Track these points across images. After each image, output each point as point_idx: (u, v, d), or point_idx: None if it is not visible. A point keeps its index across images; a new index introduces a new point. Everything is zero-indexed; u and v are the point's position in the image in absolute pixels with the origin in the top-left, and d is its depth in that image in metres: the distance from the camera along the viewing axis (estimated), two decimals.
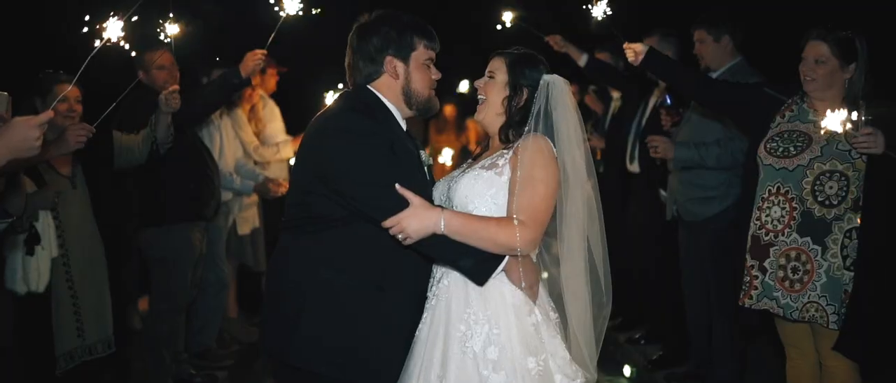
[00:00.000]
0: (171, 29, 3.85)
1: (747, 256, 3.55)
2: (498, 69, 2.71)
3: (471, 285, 2.57)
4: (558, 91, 2.66)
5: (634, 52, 3.86)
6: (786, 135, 3.52)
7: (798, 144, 3.47)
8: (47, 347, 4.00)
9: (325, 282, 2.55)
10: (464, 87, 8.77)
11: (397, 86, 2.67)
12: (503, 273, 2.56)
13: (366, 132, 2.52)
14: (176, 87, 4.22)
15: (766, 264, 3.49)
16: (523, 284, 2.57)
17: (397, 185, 2.43)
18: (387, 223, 2.42)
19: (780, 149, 3.50)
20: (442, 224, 2.43)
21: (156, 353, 4.77)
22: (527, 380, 2.49)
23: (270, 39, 4.30)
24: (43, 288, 4.00)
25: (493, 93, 2.71)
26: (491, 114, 2.72)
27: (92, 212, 4.21)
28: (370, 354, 2.57)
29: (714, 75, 4.50)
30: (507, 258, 2.53)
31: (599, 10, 3.85)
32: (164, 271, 4.78)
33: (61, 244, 4.07)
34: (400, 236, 2.43)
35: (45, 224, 4.01)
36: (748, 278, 3.54)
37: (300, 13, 4.04)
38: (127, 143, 4.34)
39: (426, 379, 2.54)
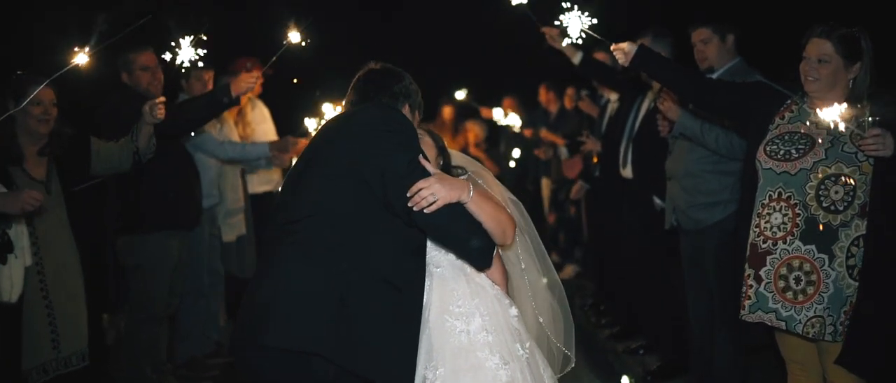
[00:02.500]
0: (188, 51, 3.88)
1: (745, 266, 3.39)
2: (423, 135, 3.01)
3: (457, 280, 2.74)
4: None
5: (623, 52, 3.68)
6: (786, 138, 3.35)
7: (800, 147, 3.30)
8: (17, 361, 3.85)
9: (351, 280, 2.52)
10: (460, 95, 9.00)
11: None
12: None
13: (404, 125, 2.71)
14: (162, 98, 4.11)
15: (761, 273, 3.33)
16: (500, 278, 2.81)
17: (420, 157, 2.60)
18: (417, 185, 2.50)
19: (781, 152, 3.33)
20: (470, 190, 2.59)
21: (135, 364, 4.66)
22: (520, 364, 2.64)
23: (269, 64, 4.34)
24: (16, 298, 3.84)
25: (430, 151, 2.97)
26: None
27: (68, 218, 4.07)
28: (400, 354, 2.58)
29: (713, 76, 4.33)
30: (496, 248, 2.71)
31: (575, 29, 3.72)
32: (140, 279, 4.67)
33: (35, 252, 3.93)
34: (427, 201, 2.50)
35: (18, 231, 3.85)
36: (744, 288, 3.38)
37: (304, 43, 4.21)
38: (105, 151, 4.20)
39: None
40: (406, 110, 2.90)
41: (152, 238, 4.62)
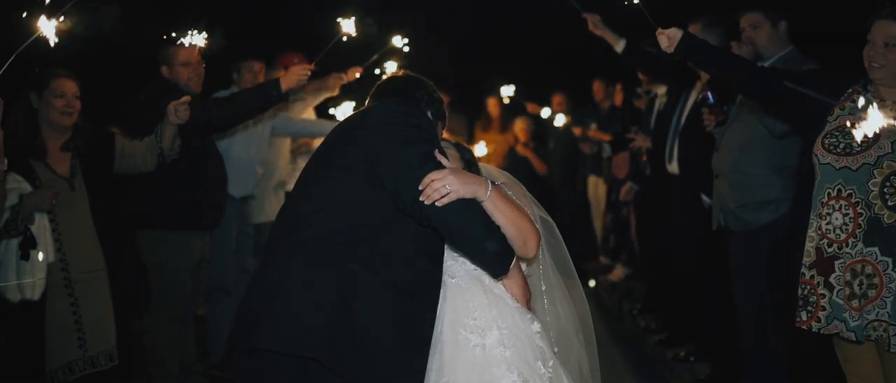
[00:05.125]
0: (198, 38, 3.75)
1: (812, 272, 3.09)
2: (449, 147, 2.86)
3: (473, 291, 2.54)
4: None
5: (668, 38, 3.44)
6: (847, 130, 3.07)
7: (863, 140, 3.01)
8: (40, 359, 3.79)
9: (358, 281, 2.37)
10: (507, 91, 8.76)
11: None
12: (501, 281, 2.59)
13: (421, 121, 2.60)
14: (187, 98, 4.02)
15: (832, 280, 3.03)
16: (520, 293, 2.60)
17: (436, 152, 2.46)
18: (430, 176, 2.36)
19: (841, 146, 3.04)
20: (489, 187, 2.45)
21: (161, 364, 4.59)
22: (542, 381, 2.47)
23: (319, 56, 4.25)
24: (38, 295, 3.80)
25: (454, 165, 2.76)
26: None
27: (91, 214, 4.00)
28: (407, 367, 2.42)
29: (764, 65, 4.05)
30: (515, 257, 2.51)
31: None
32: (159, 277, 4.59)
33: (58, 248, 3.87)
34: (439, 192, 2.35)
35: (41, 227, 3.81)
36: (814, 298, 3.08)
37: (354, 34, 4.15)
38: (129, 150, 4.13)
39: None
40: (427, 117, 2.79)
41: (173, 236, 4.53)
